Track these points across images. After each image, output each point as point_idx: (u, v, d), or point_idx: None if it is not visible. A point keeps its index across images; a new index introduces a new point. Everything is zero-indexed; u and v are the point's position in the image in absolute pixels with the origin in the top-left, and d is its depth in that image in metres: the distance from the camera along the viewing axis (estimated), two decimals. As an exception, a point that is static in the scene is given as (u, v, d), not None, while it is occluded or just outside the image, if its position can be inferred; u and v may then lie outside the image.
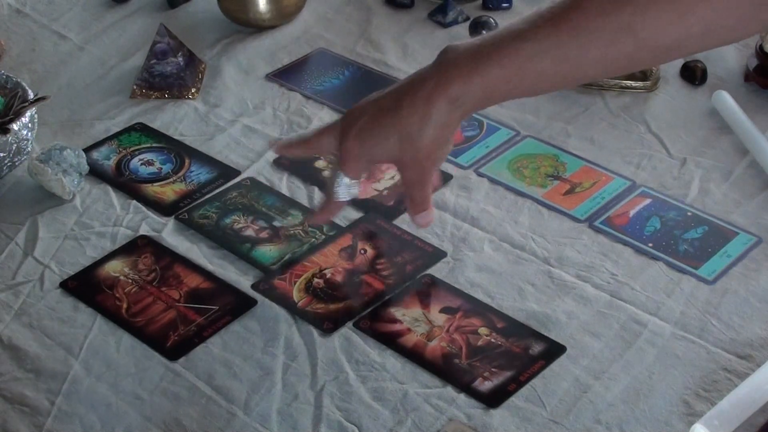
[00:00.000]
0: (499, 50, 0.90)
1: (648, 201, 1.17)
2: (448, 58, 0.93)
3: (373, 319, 1.04)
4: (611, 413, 0.93)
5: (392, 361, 1.00)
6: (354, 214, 1.17)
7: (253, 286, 1.08)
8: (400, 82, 0.97)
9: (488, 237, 1.13)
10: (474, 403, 0.95)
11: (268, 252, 1.12)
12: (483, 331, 1.02)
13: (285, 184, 1.22)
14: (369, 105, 0.97)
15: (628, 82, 1.35)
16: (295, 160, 1.24)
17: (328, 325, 1.03)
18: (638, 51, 0.87)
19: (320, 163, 1.24)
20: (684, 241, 1.11)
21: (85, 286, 1.09)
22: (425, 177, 0.99)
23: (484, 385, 0.96)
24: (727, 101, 1.29)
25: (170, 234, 1.16)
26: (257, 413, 0.95)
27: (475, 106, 0.94)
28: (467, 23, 1.48)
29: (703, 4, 0.83)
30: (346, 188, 1.01)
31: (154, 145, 1.30)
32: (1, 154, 1.19)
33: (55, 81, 1.43)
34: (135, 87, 1.40)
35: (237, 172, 1.24)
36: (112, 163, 1.27)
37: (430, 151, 0.96)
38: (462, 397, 0.96)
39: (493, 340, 1.01)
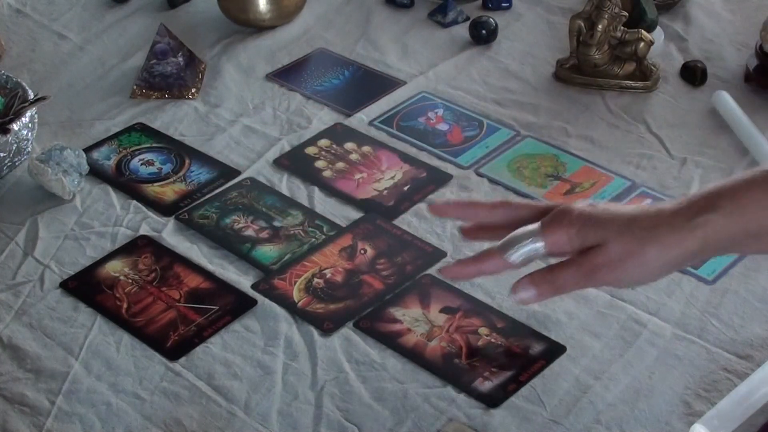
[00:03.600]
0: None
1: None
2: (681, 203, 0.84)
3: (373, 319, 1.04)
4: (611, 413, 0.93)
5: (392, 361, 1.00)
6: (354, 214, 1.17)
7: (253, 286, 1.08)
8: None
9: (488, 237, 1.13)
10: (474, 403, 0.95)
11: (268, 252, 1.12)
12: (483, 331, 1.02)
13: (285, 184, 1.22)
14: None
15: (628, 82, 1.35)
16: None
17: (328, 325, 1.03)
18: None
19: (320, 163, 1.25)
20: (684, 241, 1.11)
21: (85, 286, 1.09)
22: (584, 276, 0.86)
23: (484, 385, 0.96)
24: (727, 101, 1.29)
25: (170, 234, 1.16)
26: (257, 413, 0.95)
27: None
28: (467, 23, 1.48)
29: None
30: (527, 253, 0.87)
31: (154, 145, 1.30)
32: (1, 154, 1.19)
33: (55, 81, 1.43)
34: (135, 87, 1.40)
35: (237, 172, 1.24)
36: (112, 163, 1.27)
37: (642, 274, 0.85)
38: (462, 397, 0.95)
39: (493, 340, 1.01)
